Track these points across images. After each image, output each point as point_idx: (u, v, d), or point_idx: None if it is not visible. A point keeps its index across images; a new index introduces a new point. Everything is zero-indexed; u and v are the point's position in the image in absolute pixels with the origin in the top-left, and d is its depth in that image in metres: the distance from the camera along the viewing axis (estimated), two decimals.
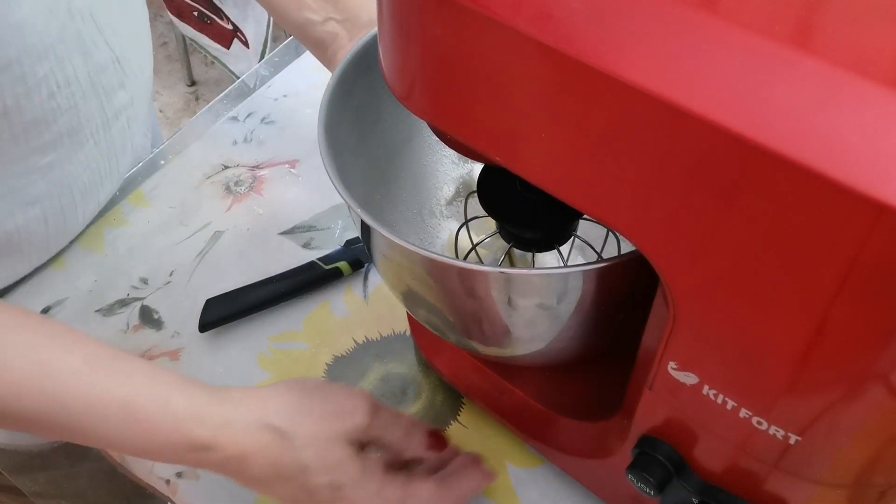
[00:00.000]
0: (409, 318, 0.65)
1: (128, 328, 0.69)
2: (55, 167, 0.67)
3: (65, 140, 0.66)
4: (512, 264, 0.56)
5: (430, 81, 0.36)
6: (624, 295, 0.42)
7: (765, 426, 0.34)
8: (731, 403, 0.35)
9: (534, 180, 0.35)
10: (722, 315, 0.32)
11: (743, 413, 0.34)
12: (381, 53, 0.39)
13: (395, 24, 0.36)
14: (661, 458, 0.39)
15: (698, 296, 0.32)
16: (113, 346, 0.49)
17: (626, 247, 0.57)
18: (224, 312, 0.68)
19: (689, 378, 0.35)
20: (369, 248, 0.49)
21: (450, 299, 0.45)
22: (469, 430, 0.61)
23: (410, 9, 0.34)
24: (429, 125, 0.40)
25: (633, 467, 0.40)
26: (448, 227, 0.62)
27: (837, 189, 0.25)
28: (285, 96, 0.88)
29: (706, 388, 0.35)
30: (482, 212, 0.47)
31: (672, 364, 0.35)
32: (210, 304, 0.69)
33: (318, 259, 0.71)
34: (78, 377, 0.46)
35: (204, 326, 0.68)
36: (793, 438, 0.34)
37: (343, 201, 0.45)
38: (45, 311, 0.71)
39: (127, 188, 0.80)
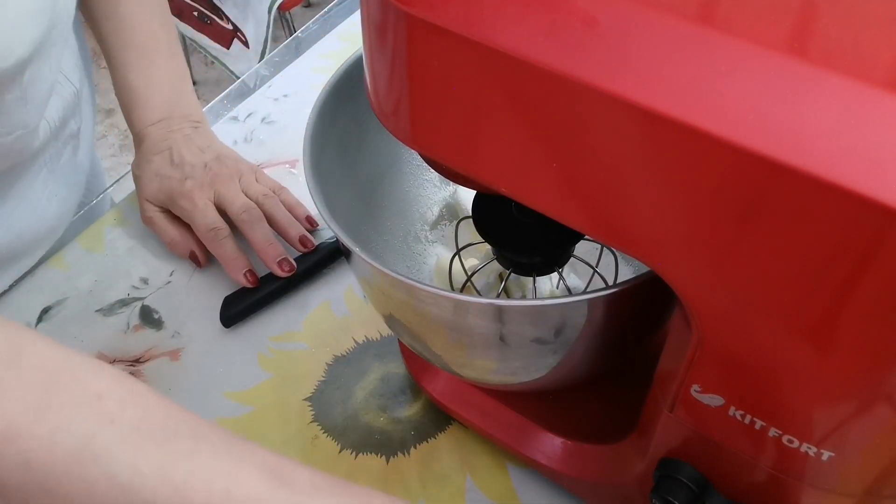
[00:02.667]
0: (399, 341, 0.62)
1: (128, 328, 0.66)
2: (23, 195, 0.65)
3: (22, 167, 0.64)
4: (507, 290, 0.53)
5: (431, 116, 0.32)
6: (635, 317, 0.39)
7: (795, 444, 0.32)
8: (759, 423, 0.32)
9: (545, 210, 0.32)
10: (751, 337, 0.29)
11: (772, 432, 0.32)
12: (370, 87, 0.35)
13: (387, 56, 0.32)
14: (684, 481, 0.36)
15: (726, 319, 0.29)
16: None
17: (623, 259, 0.54)
18: (247, 301, 0.65)
19: (714, 400, 0.32)
20: (368, 292, 0.45)
21: (450, 334, 0.42)
22: (469, 431, 0.58)
23: (403, 40, 0.31)
24: (422, 156, 0.37)
25: (657, 491, 0.37)
26: (434, 251, 0.59)
27: (868, 205, 0.23)
28: (285, 96, 0.85)
29: (733, 409, 0.32)
30: (472, 238, 0.44)
31: (696, 387, 0.32)
32: (229, 300, 0.66)
33: (327, 240, 0.69)
34: (321, 494, 0.35)
35: (229, 320, 0.65)
36: (825, 455, 0.31)
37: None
38: (46, 311, 0.67)
39: (127, 188, 0.77)
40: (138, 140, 0.71)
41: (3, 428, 0.31)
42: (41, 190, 0.68)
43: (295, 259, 0.67)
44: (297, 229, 0.67)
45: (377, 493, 0.38)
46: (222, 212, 0.67)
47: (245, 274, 0.65)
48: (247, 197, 0.67)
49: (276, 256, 0.65)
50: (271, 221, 0.67)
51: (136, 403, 0.34)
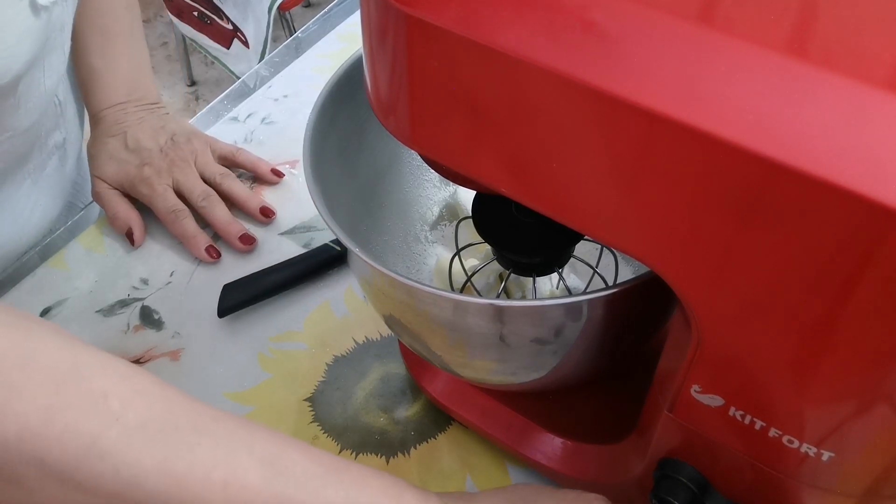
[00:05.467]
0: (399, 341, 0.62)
1: (128, 328, 0.66)
2: (4, 204, 0.66)
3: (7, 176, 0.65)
4: (507, 290, 0.53)
5: (431, 116, 0.32)
6: (635, 317, 0.39)
7: (795, 444, 0.32)
8: (759, 423, 0.32)
9: (544, 211, 0.32)
10: (751, 337, 0.29)
11: (772, 432, 0.32)
12: (370, 87, 0.36)
13: (387, 56, 0.32)
14: (684, 481, 0.36)
15: (725, 319, 0.29)
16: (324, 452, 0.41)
17: (623, 259, 0.54)
18: (242, 297, 0.65)
19: (714, 400, 0.32)
20: (368, 292, 0.46)
21: (450, 334, 0.42)
22: (469, 431, 0.58)
23: (402, 40, 0.31)
24: (421, 156, 0.37)
25: (657, 491, 0.37)
26: (434, 252, 0.59)
27: (868, 205, 0.23)
28: (285, 96, 0.85)
29: (732, 409, 0.32)
30: (472, 238, 0.44)
31: (695, 387, 0.32)
32: (228, 288, 0.65)
33: (330, 242, 0.68)
34: (314, 482, 0.38)
35: (223, 311, 0.65)
36: (825, 455, 0.31)
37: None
38: (46, 311, 0.67)
39: None
40: (95, 121, 0.74)
41: (18, 430, 0.33)
42: (25, 200, 0.70)
43: (295, 259, 0.67)
44: (256, 201, 0.72)
45: (371, 473, 0.40)
46: (181, 196, 0.71)
47: (206, 249, 0.68)
48: (204, 178, 0.72)
49: (237, 233, 0.69)
50: (230, 199, 0.71)
51: (140, 401, 0.36)
